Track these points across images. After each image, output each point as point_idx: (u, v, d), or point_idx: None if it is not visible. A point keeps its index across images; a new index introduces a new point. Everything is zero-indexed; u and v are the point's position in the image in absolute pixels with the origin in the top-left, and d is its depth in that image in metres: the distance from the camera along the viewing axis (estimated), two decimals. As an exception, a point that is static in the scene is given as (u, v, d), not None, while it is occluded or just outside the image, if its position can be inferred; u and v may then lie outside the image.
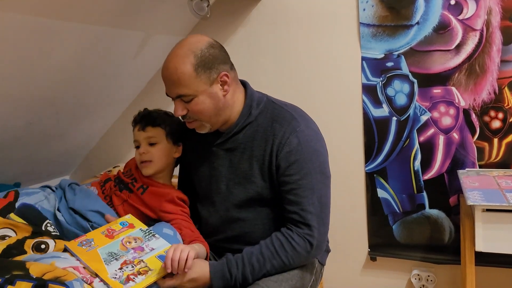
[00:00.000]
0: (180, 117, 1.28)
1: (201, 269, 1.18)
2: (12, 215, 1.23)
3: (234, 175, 1.31)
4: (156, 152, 1.40)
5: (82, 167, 2.24)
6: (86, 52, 1.53)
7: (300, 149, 1.22)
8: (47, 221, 1.28)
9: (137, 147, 1.43)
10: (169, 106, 1.97)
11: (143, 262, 1.17)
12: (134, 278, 1.13)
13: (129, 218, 1.32)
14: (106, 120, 2.11)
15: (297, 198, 1.21)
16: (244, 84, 1.34)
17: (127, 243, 1.23)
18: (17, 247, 1.16)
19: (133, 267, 1.16)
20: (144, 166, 1.40)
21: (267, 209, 1.30)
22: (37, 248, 1.19)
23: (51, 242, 1.22)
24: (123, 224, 1.29)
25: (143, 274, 1.15)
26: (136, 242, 1.24)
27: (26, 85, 1.45)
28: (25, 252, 1.16)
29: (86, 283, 1.09)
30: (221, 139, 1.32)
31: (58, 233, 1.28)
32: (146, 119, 1.42)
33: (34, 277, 1.03)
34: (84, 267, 1.13)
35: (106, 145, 2.19)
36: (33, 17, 1.22)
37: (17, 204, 1.28)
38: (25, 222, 1.22)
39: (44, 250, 1.19)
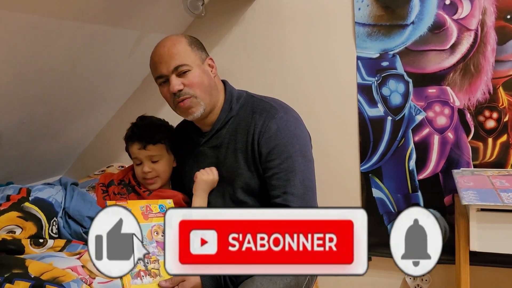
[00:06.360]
0: (173, 98, 1.27)
1: (193, 276, 1.19)
2: (27, 204, 1.27)
3: (223, 171, 1.33)
4: (161, 168, 1.41)
5: (76, 166, 2.23)
6: (80, 51, 1.52)
7: (279, 134, 1.24)
8: (54, 219, 1.31)
9: (137, 163, 1.42)
10: (164, 106, 1.97)
11: (158, 263, 1.20)
12: (143, 276, 1.15)
13: (170, 204, 1.33)
14: (101, 118, 2.10)
15: (280, 182, 1.22)
16: (223, 82, 1.38)
17: (155, 233, 1.25)
18: (15, 243, 1.18)
19: (148, 263, 1.18)
20: (150, 182, 1.41)
21: (258, 204, 1.30)
22: (35, 242, 1.20)
23: (50, 240, 1.24)
24: (161, 208, 1.30)
25: (153, 276, 1.17)
26: (162, 236, 1.25)
27: (20, 84, 1.43)
28: (23, 247, 1.18)
29: (86, 283, 1.09)
30: (206, 137, 1.34)
31: (57, 236, 1.31)
32: (145, 136, 1.40)
33: (33, 276, 1.05)
34: (83, 266, 1.13)
35: (100, 144, 2.18)
36: (26, 15, 1.21)
37: (30, 198, 1.32)
38: (39, 211, 1.27)
39: (43, 244, 1.22)
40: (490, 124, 1.61)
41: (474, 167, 1.64)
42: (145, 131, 1.41)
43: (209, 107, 1.29)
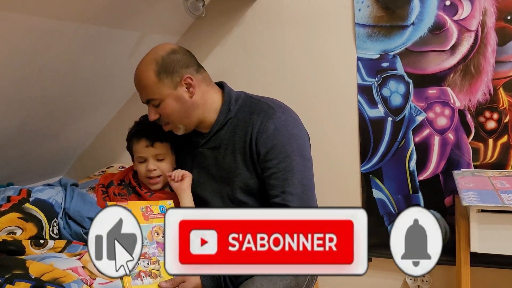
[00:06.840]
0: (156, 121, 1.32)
1: (193, 276, 1.19)
2: (27, 205, 1.27)
3: (222, 172, 1.33)
4: (165, 167, 1.40)
5: (76, 167, 2.23)
6: (81, 52, 1.52)
7: (277, 134, 1.25)
8: (55, 220, 1.31)
9: (141, 161, 1.41)
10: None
11: (159, 263, 1.20)
12: (144, 277, 1.16)
13: (170, 205, 1.33)
14: (101, 119, 2.10)
15: (278, 181, 1.23)
16: (221, 84, 1.38)
17: (155, 234, 1.24)
18: (16, 244, 1.18)
19: (148, 264, 1.18)
20: (154, 182, 1.40)
21: (258, 205, 1.30)
22: (36, 243, 1.20)
23: (50, 241, 1.24)
24: (162, 209, 1.30)
25: (153, 277, 1.18)
26: (163, 236, 1.25)
27: (20, 85, 1.43)
28: (23, 248, 1.18)
29: (86, 284, 1.09)
30: (205, 139, 1.35)
31: (58, 237, 1.31)
32: (152, 134, 1.39)
33: (33, 277, 1.04)
34: (83, 267, 1.13)
35: (100, 145, 2.18)
36: (27, 16, 1.21)
37: (30, 199, 1.31)
38: (40, 212, 1.27)
39: (43, 245, 1.22)
40: (491, 125, 1.61)
41: (474, 168, 1.64)
42: (152, 128, 1.40)
43: (191, 125, 1.32)
